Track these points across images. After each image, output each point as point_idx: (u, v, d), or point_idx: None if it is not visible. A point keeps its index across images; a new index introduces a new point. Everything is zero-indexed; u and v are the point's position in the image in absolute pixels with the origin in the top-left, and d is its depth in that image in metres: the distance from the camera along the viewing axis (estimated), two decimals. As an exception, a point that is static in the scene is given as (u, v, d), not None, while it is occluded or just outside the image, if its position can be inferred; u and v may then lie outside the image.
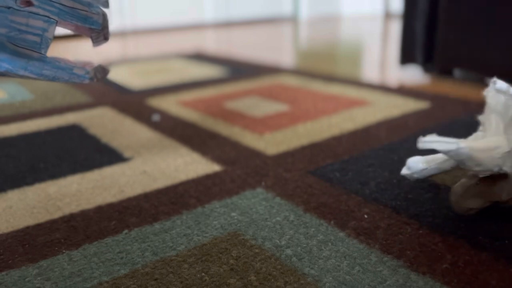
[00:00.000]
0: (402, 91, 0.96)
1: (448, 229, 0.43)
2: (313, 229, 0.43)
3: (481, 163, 0.39)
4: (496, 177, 0.41)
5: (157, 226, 0.45)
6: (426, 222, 0.44)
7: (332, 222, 0.44)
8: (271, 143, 0.67)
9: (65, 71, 0.50)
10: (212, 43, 1.92)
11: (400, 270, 0.37)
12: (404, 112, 0.81)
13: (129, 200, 0.50)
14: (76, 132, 0.74)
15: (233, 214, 0.47)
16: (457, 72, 1.14)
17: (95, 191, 0.53)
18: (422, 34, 1.08)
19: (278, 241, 0.41)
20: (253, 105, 0.87)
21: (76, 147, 0.67)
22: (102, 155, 0.64)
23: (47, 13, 0.47)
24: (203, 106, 0.88)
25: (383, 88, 0.98)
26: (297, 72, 1.19)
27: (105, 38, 0.53)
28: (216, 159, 0.61)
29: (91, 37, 0.53)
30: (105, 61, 1.43)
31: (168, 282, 0.36)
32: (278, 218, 0.45)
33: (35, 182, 0.56)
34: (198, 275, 0.37)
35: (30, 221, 0.46)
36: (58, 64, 0.50)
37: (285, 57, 1.51)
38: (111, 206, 0.49)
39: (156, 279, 0.37)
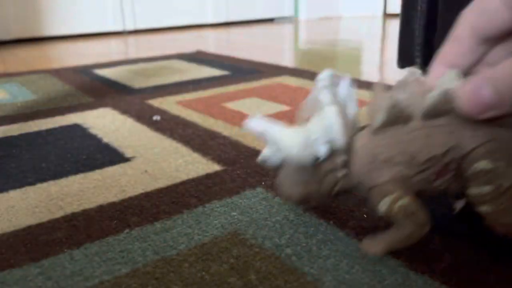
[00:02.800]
0: (402, 91, 0.96)
1: (447, 228, 0.43)
2: (312, 229, 0.44)
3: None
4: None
5: (158, 225, 0.45)
6: (425, 221, 0.44)
7: (331, 221, 0.45)
8: (271, 143, 0.67)
9: None
10: (212, 43, 1.92)
11: (399, 269, 0.37)
12: (404, 112, 0.81)
13: (130, 199, 0.51)
14: (77, 132, 0.75)
15: (233, 213, 0.47)
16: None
17: (97, 190, 0.53)
18: (420, 37, 1.08)
19: (278, 241, 0.42)
20: (253, 105, 0.88)
21: (77, 147, 0.68)
22: (104, 155, 0.64)
23: None
24: (203, 106, 0.88)
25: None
26: (297, 72, 1.19)
27: None
28: (216, 159, 0.62)
29: None
30: (106, 61, 1.43)
31: (169, 281, 0.37)
32: (278, 218, 0.46)
33: (37, 181, 0.56)
34: (199, 274, 0.37)
35: (32, 220, 0.47)
36: None
37: (285, 57, 1.52)
38: (112, 206, 0.49)
39: (157, 278, 0.37)
